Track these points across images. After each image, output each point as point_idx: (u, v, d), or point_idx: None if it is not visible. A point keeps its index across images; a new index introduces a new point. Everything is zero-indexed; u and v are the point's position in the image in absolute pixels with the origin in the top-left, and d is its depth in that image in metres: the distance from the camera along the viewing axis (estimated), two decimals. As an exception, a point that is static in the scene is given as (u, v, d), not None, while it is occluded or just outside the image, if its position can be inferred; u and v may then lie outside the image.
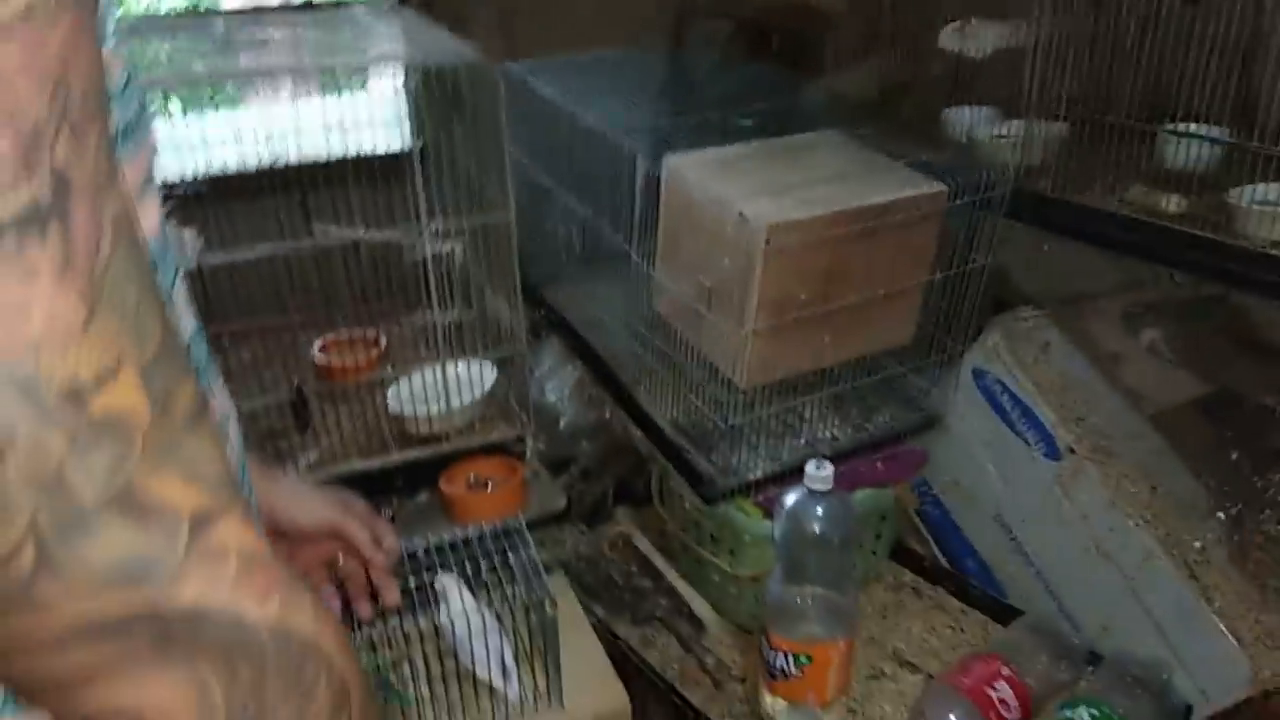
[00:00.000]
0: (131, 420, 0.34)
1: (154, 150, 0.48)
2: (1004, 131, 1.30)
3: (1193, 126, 1.13)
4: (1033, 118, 1.25)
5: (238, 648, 0.36)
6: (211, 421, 0.38)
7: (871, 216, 1.10)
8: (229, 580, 0.36)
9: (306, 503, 0.81)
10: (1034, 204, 1.21)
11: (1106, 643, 1.19)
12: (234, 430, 0.56)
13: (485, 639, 1.05)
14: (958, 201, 1.15)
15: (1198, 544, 1.14)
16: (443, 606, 1.06)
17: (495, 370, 1.36)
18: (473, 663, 1.06)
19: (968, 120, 1.35)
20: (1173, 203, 1.12)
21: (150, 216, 0.46)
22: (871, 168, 1.18)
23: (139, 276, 0.35)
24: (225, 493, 0.37)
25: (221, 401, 0.55)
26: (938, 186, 1.14)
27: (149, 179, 0.47)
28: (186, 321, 0.52)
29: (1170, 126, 1.14)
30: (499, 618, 1.08)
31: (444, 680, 1.06)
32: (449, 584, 1.07)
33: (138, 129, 0.45)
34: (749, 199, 1.07)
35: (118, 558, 0.33)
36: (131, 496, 0.34)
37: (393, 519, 1.32)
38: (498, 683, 1.07)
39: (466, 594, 1.07)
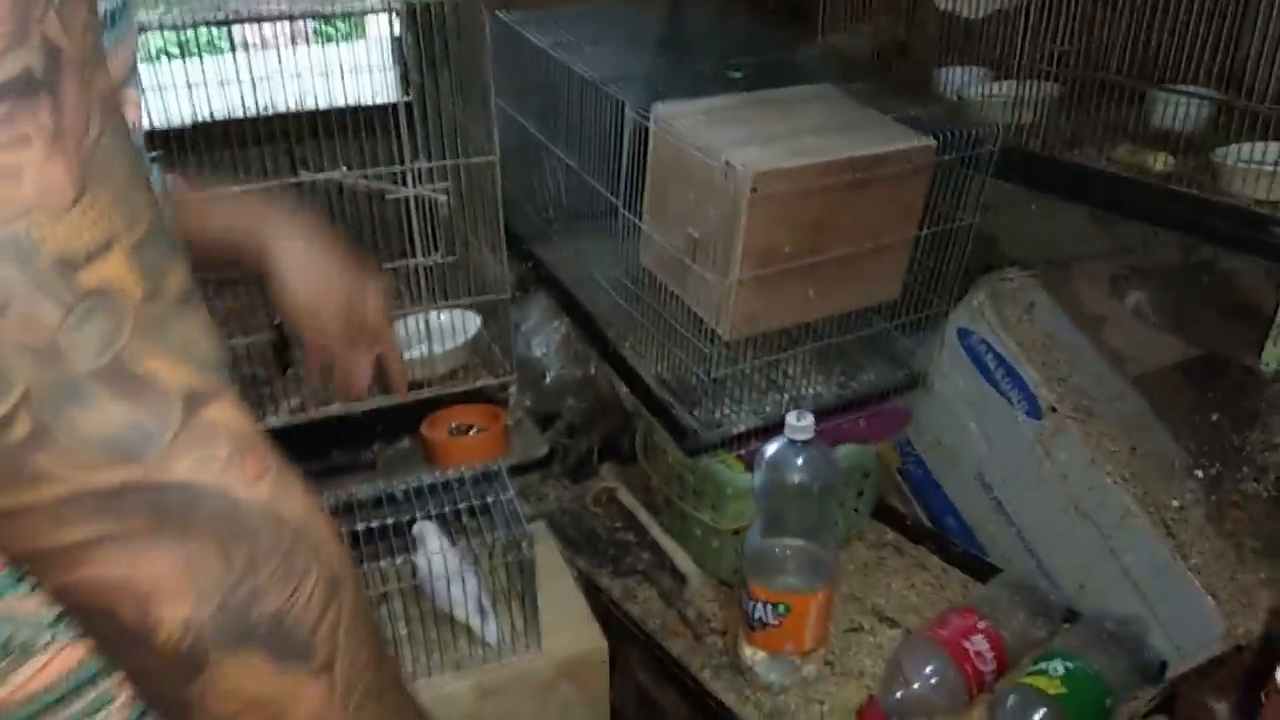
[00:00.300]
0: (123, 295, 0.34)
1: (136, 44, 0.47)
2: (996, 91, 1.30)
3: (1182, 87, 1.13)
4: (1024, 77, 1.24)
5: (229, 529, 0.36)
6: (201, 306, 0.38)
7: (860, 168, 1.09)
8: (220, 461, 0.36)
9: (296, 298, 0.81)
10: (1023, 162, 1.21)
11: (1084, 600, 1.20)
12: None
13: (463, 583, 1.06)
14: (946, 156, 1.15)
15: (1175, 503, 1.15)
16: (420, 551, 1.06)
17: (479, 318, 1.36)
18: (450, 605, 1.07)
19: (960, 79, 1.35)
20: (1160, 161, 1.12)
21: (132, 110, 0.46)
22: (861, 121, 1.18)
23: (127, 156, 0.35)
24: (216, 375, 0.37)
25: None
26: (926, 140, 1.13)
27: (132, 72, 0.46)
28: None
29: (1160, 86, 1.14)
30: (476, 560, 1.09)
31: (422, 621, 1.06)
32: (427, 530, 1.07)
33: (121, 20, 0.44)
34: (737, 148, 1.07)
35: (110, 430, 0.34)
36: (124, 371, 0.34)
37: (374, 464, 1.32)
38: (475, 624, 1.07)
39: (444, 539, 1.07)
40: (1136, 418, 1.23)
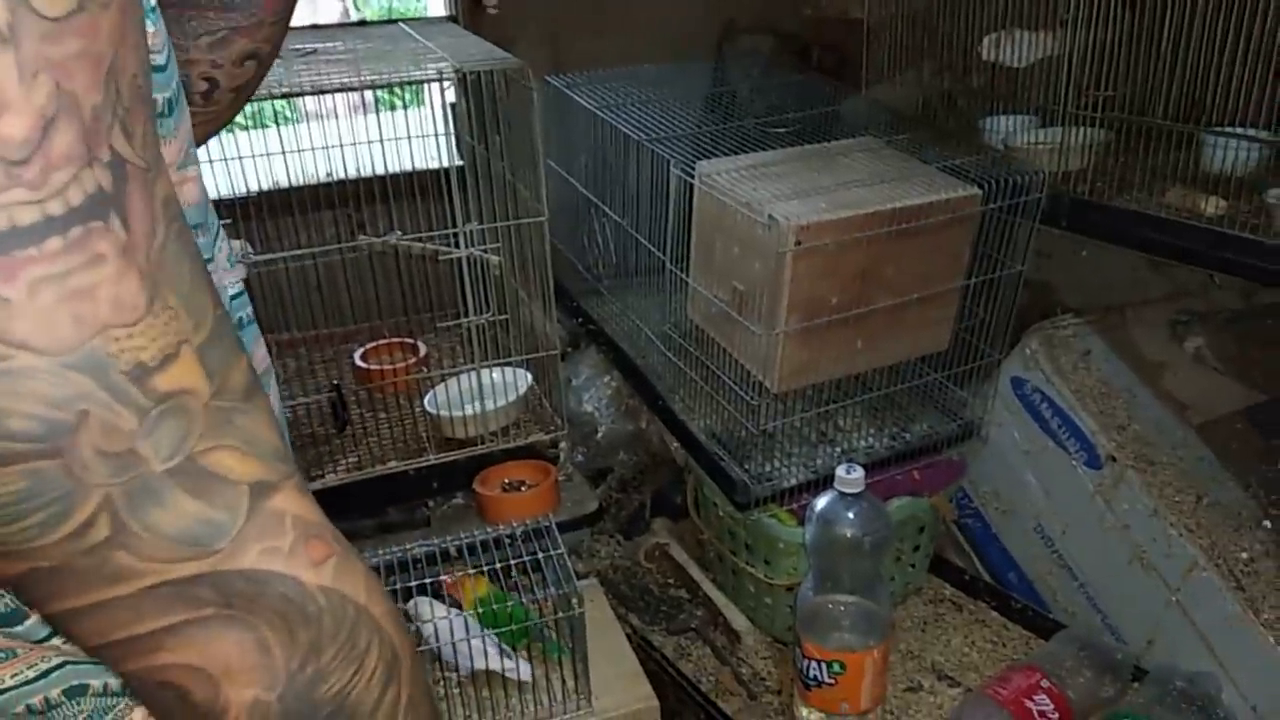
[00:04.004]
0: (192, 396, 0.35)
1: (189, 125, 0.49)
2: (1042, 138, 1.30)
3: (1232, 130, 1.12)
4: (1070, 123, 1.24)
5: (295, 612, 0.37)
6: (264, 397, 0.40)
7: (904, 218, 1.09)
8: (286, 548, 0.37)
9: None
10: (1072, 208, 1.20)
11: (1152, 657, 1.16)
12: (273, 386, 0.57)
13: (468, 639, 1.06)
14: (992, 205, 1.14)
15: (1245, 554, 1.11)
16: (424, 626, 1.06)
17: (529, 375, 1.38)
18: (471, 661, 1.07)
19: (1006, 128, 1.34)
20: (1212, 204, 1.10)
21: (192, 187, 0.48)
22: (905, 172, 1.18)
23: (190, 258, 0.37)
24: (280, 465, 0.38)
25: (260, 356, 0.57)
26: (971, 189, 1.13)
27: (189, 153, 0.48)
28: (230, 282, 0.53)
29: (1209, 128, 1.13)
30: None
31: (472, 682, 1.07)
32: (420, 602, 1.07)
33: (176, 106, 0.46)
34: (779, 202, 1.08)
35: (185, 525, 0.35)
36: (195, 468, 0.35)
37: (428, 521, 1.33)
38: (497, 666, 1.06)
39: (438, 606, 1.07)
40: (1201, 466, 1.20)
